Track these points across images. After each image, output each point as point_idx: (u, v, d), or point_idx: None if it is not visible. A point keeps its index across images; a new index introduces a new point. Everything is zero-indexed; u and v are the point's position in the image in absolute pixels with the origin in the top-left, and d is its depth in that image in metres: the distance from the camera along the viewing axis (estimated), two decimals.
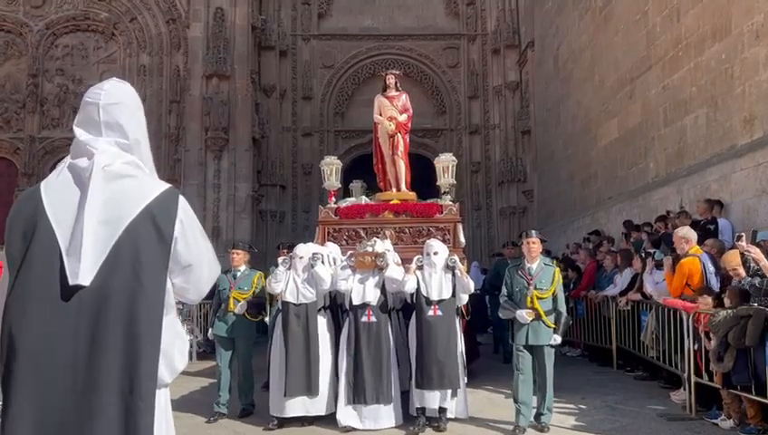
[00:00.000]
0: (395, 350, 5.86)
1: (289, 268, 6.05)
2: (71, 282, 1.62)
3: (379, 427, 5.63)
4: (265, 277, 6.50)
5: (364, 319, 5.73)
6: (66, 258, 1.64)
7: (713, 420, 5.59)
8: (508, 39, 19.07)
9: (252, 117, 17.07)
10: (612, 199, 12.21)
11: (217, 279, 7.45)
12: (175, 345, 1.76)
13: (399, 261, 6.09)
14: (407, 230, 7.35)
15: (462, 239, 7.36)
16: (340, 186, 8.26)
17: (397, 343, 5.94)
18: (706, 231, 7.41)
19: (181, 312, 11.24)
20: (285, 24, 19.32)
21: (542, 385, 5.58)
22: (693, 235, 6.55)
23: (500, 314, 5.99)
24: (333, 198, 7.91)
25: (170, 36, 17.63)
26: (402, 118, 8.01)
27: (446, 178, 7.88)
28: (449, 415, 5.70)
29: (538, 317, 5.49)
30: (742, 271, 5.54)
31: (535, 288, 5.55)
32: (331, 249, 6.59)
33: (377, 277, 5.87)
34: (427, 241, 6.20)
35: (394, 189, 8.03)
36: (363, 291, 5.81)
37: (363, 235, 7.15)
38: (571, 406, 6.43)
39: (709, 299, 5.79)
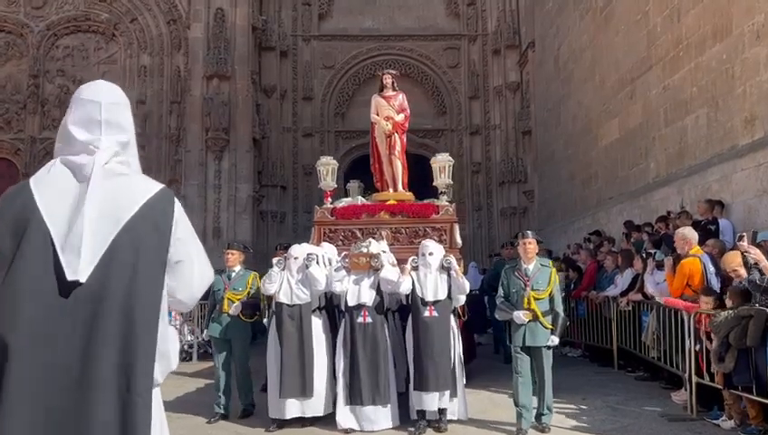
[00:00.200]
0: (391, 351, 5.83)
1: (283, 269, 6.02)
2: (69, 277, 1.60)
3: (377, 428, 5.61)
4: (261, 278, 6.47)
5: (360, 320, 5.71)
6: (62, 254, 1.61)
7: (714, 421, 5.58)
8: (509, 39, 19.07)
9: (252, 117, 17.07)
10: (613, 200, 12.21)
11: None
12: (168, 345, 1.76)
13: (395, 262, 6.06)
14: (403, 231, 7.31)
15: (458, 240, 7.33)
16: (336, 186, 8.23)
17: (393, 343, 5.91)
18: (707, 231, 7.40)
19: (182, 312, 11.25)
20: (286, 24, 19.33)
21: (541, 386, 5.56)
22: (694, 235, 6.55)
23: (496, 316, 5.97)
24: (329, 199, 7.88)
25: (171, 37, 17.64)
26: (399, 118, 7.96)
27: (442, 179, 7.84)
28: (449, 416, 5.69)
29: (535, 318, 5.47)
30: (742, 272, 5.53)
31: (532, 289, 5.52)
32: (327, 250, 6.56)
33: (372, 278, 5.84)
34: (422, 242, 6.17)
35: (391, 190, 7.99)
36: (358, 292, 5.78)
37: (359, 235, 7.11)
38: (572, 406, 6.43)
39: (710, 299, 5.78)
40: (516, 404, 5.51)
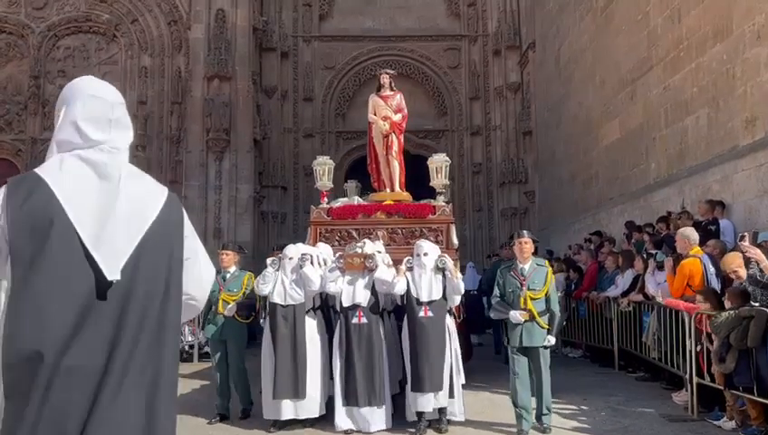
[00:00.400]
0: (386, 351, 5.80)
1: (278, 269, 5.99)
2: (109, 277, 1.59)
3: (372, 429, 5.58)
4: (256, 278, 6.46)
5: (354, 320, 5.69)
6: (96, 254, 1.59)
7: (715, 422, 5.58)
8: (509, 40, 19.07)
9: (253, 118, 17.08)
10: (613, 200, 12.20)
11: None
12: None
13: (390, 262, 6.03)
14: (399, 231, 7.29)
15: (455, 240, 7.31)
16: (332, 186, 8.19)
17: (389, 344, 5.87)
18: (708, 232, 7.40)
19: None
20: (286, 25, 19.34)
21: (539, 386, 5.55)
22: (695, 235, 6.55)
23: (491, 315, 5.96)
24: (325, 199, 7.86)
25: (172, 38, 17.65)
26: (396, 117, 7.92)
27: (439, 179, 7.82)
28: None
29: (531, 318, 5.45)
30: (742, 272, 5.53)
31: (528, 289, 5.51)
32: (322, 250, 6.54)
33: (366, 278, 5.81)
34: (417, 242, 6.16)
35: (388, 190, 7.97)
36: (353, 292, 5.76)
37: (355, 235, 7.09)
38: (573, 407, 6.43)
39: (707, 304, 5.76)
40: (515, 405, 5.50)
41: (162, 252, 1.70)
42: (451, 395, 5.64)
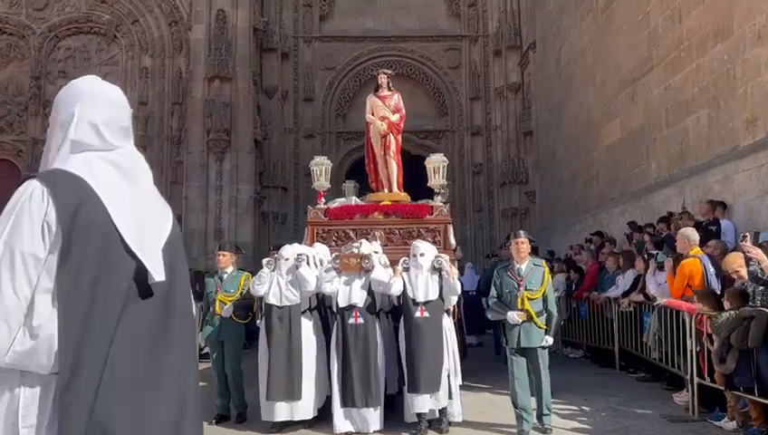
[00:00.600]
0: (383, 352, 5.77)
1: (273, 270, 5.97)
2: (157, 279, 1.62)
3: (371, 430, 5.56)
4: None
5: (351, 321, 5.66)
6: (141, 255, 1.61)
7: (716, 422, 5.58)
8: (509, 40, 19.07)
9: (254, 119, 17.09)
10: (614, 200, 12.20)
11: (205, 282, 7.32)
12: None
13: (387, 262, 6.00)
14: (396, 231, 7.26)
15: (452, 241, 7.29)
16: (329, 186, 8.17)
17: (385, 344, 5.84)
18: (708, 232, 7.40)
19: None
20: (287, 25, 19.34)
21: (539, 387, 5.53)
22: (695, 236, 6.55)
23: (488, 316, 5.92)
24: (323, 199, 7.84)
25: (172, 38, 17.66)
26: (394, 118, 7.89)
27: (437, 179, 7.80)
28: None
29: (529, 319, 5.43)
30: (744, 272, 5.53)
31: (525, 289, 5.48)
32: (319, 250, 6.51)
33: (363, 279, 5.78)
34: (414, 242, 6.12)
35: (386, 190, 7.95)
36: (349, 293, 5.73)
37: (353, 236, 7.07)
38: (574, 407, 6.43)
39: (705, 306, 5.76)
40: (515, 406, 5.48)
41: (181, 251, 1.77)
42: (449, 396, 5.62)
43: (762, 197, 7.40)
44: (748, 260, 5.44)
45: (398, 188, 8.02)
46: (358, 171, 13.91)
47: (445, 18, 20.07)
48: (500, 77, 19.39)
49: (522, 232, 5.92)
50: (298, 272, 5.85)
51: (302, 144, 19.24)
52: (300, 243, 7.06)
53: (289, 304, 5.84)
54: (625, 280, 8.52)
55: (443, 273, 5.70)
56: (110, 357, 1.51)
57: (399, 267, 5.76)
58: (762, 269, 5.15)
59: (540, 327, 5.46)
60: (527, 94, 18.77)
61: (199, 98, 16.70)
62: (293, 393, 5.66)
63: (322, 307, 6.28)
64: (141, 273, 1.61)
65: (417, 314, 5.58)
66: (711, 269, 6.23)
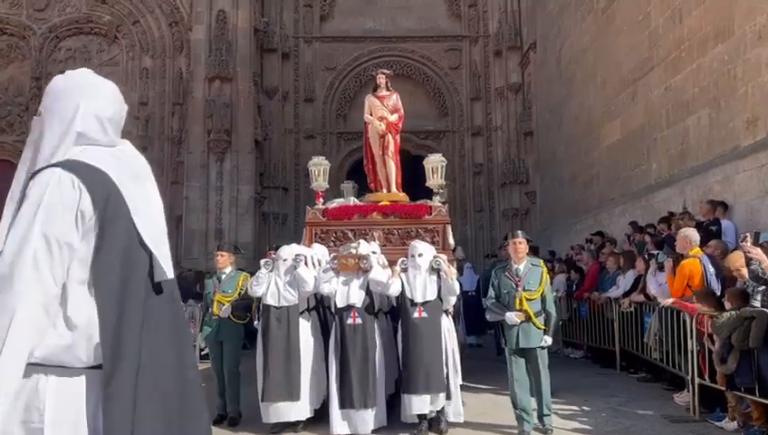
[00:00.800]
0: (382, 352, 5.74)
1: (271, 270, 5.94)
2: (169, 276, 1.64)
3: (367, 431, 5.53)
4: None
5: (349, 321, 5.64)
6: (156, 252, 1.62)
7: (716, 423, 5.57)
8: (510, 40, 19.07)
9: (254, 119, 17.09)
10: (615, 201, 12.19)
11: (204, 283, 7.28)
12: None
13: (386, 263, 5.98)
14: (395, 232, 7.24)
15: (451, 241, 7.27)
16: (328, 186, 8.16)
17: (384, 345, 5.82)
18: (709, 232, 7.39)
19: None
20: (287, 26, 19.35)
21: (538, 387, 5.50)
22: (695, 236, 6.55)
23: (487, 317, 5.88)
24: (321, 199, 7.82)
25: (173, 39, 17.67)
26: (393, 118, 7.87)
27: (435, 179, 7.78)
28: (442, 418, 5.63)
29: (528, 319, 5.41)
30: (746, 272, 5.53)
31: (524, 289, 5.46)
32: (317, 251, 6.49)
33: (361, 279, 5.75)
34: (412, 243, 6.10)
35: (384, 190, 7.93)
36: (347, 293, 5.70)
37: (351, 236, 7.05)
38: (574, 408, 6.42)
39: (705, 306, 5.76)
40: (515, 407, 5.47)
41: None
42: (448, 397, 5.59)
43: (762, 197, 7.39)
44: (749, 260, 5.43)
45: (397, 189, 8.00)
46: (358, 172, 13.90)
47: (445, 18, 20.07)
48: (500, 77, 19.38)
49: (519, 232, 5.90)
50: (296, 272, 5.84)
51: (302, 145, 19.24)
52: (300, 243, 7.04)
53: (287, 304, 5.82)
54: (625, 280, 8.51)
55: (441, 273, 5.68)
56: (142, 350, 1.53)
57: (398, 268, 5.74)
58: (762, 269, 5.15)
59: (538, 328, 5.44)
60: (528, 94, 18.76)
61: (200, 98, 16.70)
62: (292, 394, 5.64)
63: (321, 308, 6.26)
64: (151, 270, 1.62)
65: (416, 314, 5.56)
66: (711, 269, 6.23)
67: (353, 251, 5.95)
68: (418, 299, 5.60)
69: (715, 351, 5.35)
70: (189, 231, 16.36)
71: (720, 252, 6.58)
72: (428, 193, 7.97)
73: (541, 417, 5.53)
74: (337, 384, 5.58)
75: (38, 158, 1.62)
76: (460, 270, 9.89)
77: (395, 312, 6.07)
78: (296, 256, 5.93)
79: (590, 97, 13.61)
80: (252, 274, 6.40)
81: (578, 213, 14.31)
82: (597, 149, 13.25)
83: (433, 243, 6.70)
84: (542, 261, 6.11)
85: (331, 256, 6.21)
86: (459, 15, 19.97)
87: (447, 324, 5.88)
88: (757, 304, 5.19)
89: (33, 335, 1.42)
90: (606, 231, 12.02)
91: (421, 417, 5.55)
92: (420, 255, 5.74)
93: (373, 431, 5.59)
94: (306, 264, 5.96)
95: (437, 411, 5.59)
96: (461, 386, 6.08)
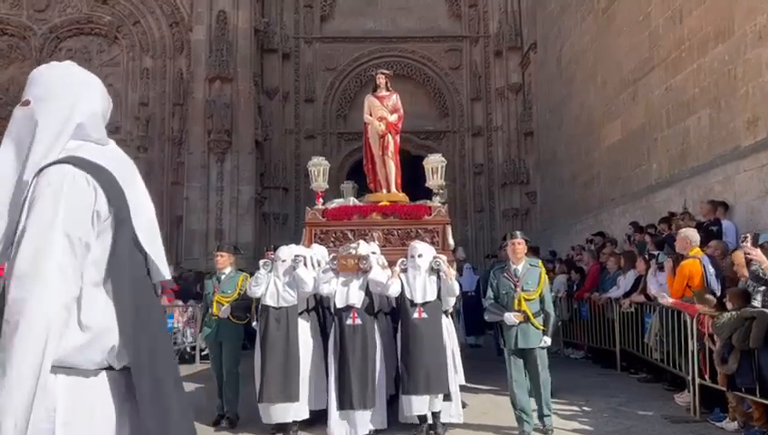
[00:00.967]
0: (381, 353, 5.72)
1: (270, 271, 5.93)
2: (167, 276, 1.64)
3: (366, 432, 5.51)
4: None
5: (349, 322, 5.61)
6: (152, 252, 1.61)
7: (717, 423, 5.56)
8: (510, 41, 19.07)
9: (254, 120, 17.10)
10: (615, 201, 12.19)
11: (204, 283, 7.23)
12: None
13: (385, 263, 5.96)
14: (395, 232, 7.21)
15: (451, 241, 7.25)
16: (327, 187, 8.15)
17: (384, 345, 5.80)
18: (710, 233, 7.39)
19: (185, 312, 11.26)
20: (288, 26, 19.36)
21: (537, 388, 5.47)
22: (695, 236, 6.54)
23: (486, 317, 5.85)
24: (321, 200, 7.82)
25: (173, 39, 17.68)
26: (392, 118, 7.84)
27: (435, 180, 7.77)
28: (442, 419, 5.61)
29: (526, 319, 5.39)
30: (746, 271, 5.52)
31: (522, 290, 5.44)
32: (317, 251, 6.47)
33: (360, 280, 5.73)
34: (411, 243, 6.08)
35: (384, 191, 7.92)
36: (347, 294, 5.68)
37: (351, 237, 7.03)
38: (575, 408, 6.42)
39: (705, 307, 5.75)
40: (515, 407, 5.46)
41: None
42: (448, 398, 5.58)
43: (763, 197, 7.38)
44: (749, 261, 5.43)
45: (397, 189, 7.99)
46: (359, 172, 13.89)
47: (445, 19, 20.07)
48: (501, 78, 19.38)
49: (518, 233, 5.88)
50: (295, 273, 5.82)
51: (302, 145, 19.24)
52: (300, 244, 7.03)
53: (286, 305, 5.80)
54: (626, 281, 8.51)
55: (441, 274, 5.67)
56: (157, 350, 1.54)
57: (397, 268, 5.73)
58: (762, 270, 5.15)
59: (537, 328, 5.42)
60: (528, 95, 18.76)
61: (200, 99, 16.71)
62: (291, 395, 5.63)
63: (320, 308, 6.25)
64: (148, 271, 1.62)
65: (415, 315, 5.54)
66: (711, 270, 6.22)
67: (353, 251, 5.93)
68: (418, 300, 5.58)
69: (716, 351, 5.35)
70: (190, 231, 16.37)
71: (720, 252, 6.58)
72: (428, 193, 7.96)
73: (541, 417, 5.52)
74: (336, 385, 5.56)
75: (32, 151, 1.54)
76: (460, 270, 9.88)
77: (395, 312, 6.05)
78: (295, 256, 5.91)
79: (591, 97, 13.61)
80: (252, 274, 6.39)
81: (578, 213, 14.30)
82: (597, 150, 13.24)
83: (433, 243, 6.67)
84: (540, 261, 6.09)
85: (331, 256, 6.19)
86: (459, 16, 19.97)
87: (447, 325, 5.86)
88: (758, 304, 5.19)
89: (58, 339, 1.40)
90: (606, 231, 12.01)
91: (421, 418, 5.54)
92: (420, 255, 5.73)
93: (372, 432, 5.57)
94: (305, 264, 5.94)
95: (434, 414, 5.56)
96: (461, 386, 6.07)
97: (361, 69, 19.42)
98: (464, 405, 6.03)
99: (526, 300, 5.43)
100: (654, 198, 10.44)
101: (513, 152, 19.00)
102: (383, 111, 7.84)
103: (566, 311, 10.43)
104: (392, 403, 5.94)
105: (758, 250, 5.36)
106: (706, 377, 5.74)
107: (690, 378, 6.04)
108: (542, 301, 5.51)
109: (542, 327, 5.43)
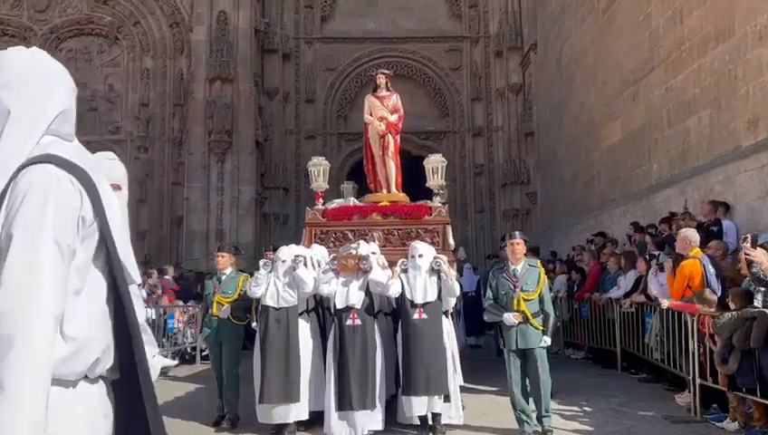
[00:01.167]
0: (381, 353, 5.70)
1: (270, 271, 5.92)
2: (137, 281, 1.56)
3: (366, 432, 5.50)
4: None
5: (349, 322, 5.60)
6: (125, 256, 1.53)
7: (718, 423, 5.56)
8: (511, 41, 19.08)
9: (255, 120, 17.11)
10: (616, 201, 12.19)
11: (204, 284, 7.18)
12: None
13: (386, 263, 5.94)
14: (395, 232, 7.20)
15: (451, 242, 7.25)
16: (327, 187, 8.15)
17: (384, 346, 5.78)
18: (710, 233, 7.39)
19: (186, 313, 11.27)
20: (288, 27, 19.37)
21: (537, 389, 5.43)
22: (695, 236, 6.54)
23: (485, 318, 5.83)
24: (321, 200, 7.82)
25: (174, 40, 17.69)
26: (393, 118, 7.82)
27: (435, 180, 7.76)
28: (442, 420, 5.60)
29: (525, 320, 5.37)
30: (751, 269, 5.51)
31: (521, 290, 5.43)
32: (317, 251, 6.46)
33: (361, 280, 5.71)
34: (412, 243, 6.06)
35: (384, 191, 7.91)
36: (347, 294, 5.66)
37: (351, 237, 7.02)
38: (575, 408, 6.42)
39: (705, 307, 5.75)
40: (515, 408, 5.45)
41: None
42: (448, 399, 5.56)
43: (763, 197, 7.38)
44: (750, 263, 5.43)
45: (397, 189, 7.98)
46: (359, 172, 13.90)
47: (446, 19, 20.07)
48: (501, 78, 19.39)
49: (517, 233, 5.86)
50: (295, 273, 5.81)
51: (303, 145, 19.25)
52: (300, 244, 7.02)
53: (286, 305, 5.79)
54: (626, 281, 8.51)
55: (441, 274, 5.65)
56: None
57: (398, 268, 5.72)
58: (763, 271, 5.15)
59: (536, 328, 5.40)
60: (528, 95, 18.77)
61: (200, 99, 16.72)
62: (291, 396, 5.62)
63: (320, 309, 6.24)
64: (122, 274, 1.53)
65: (416, 315, 5.53)
66: (711, 270, 6.22)
67: (353, 252, 5.92)
68: (419, 300, 5.57)
69: (717, 351, 5.34)
70: (190, 232, 16.38)
71: (720, 253, 6.57)
72: (429, 194, 7.95)
73: (540, 418, 5.49)
74: (335, 386, 5.54)
75: (0, 148, 1.39)
76: (460, 271, 9.88)
77: (396, 313, 6.04)
78: (296, 256, 5.91)
79: (591, 97, 13.61)
80: (252, 275, 6.39)
81: (579, 213, 14.30)
82: (597, 150, 13.24)
83: (433, 243, 6.66)
84: (539, 261, 6.08)
85: (331, 256, 6.19)
86: (460, 16, 19.98)
87: (447, 326, 5.86)
88: (758, 304, 5.19)
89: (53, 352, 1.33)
90: (607, 232, 12.01)
91: (421, 419, 5.54)
92: (420, 255, 5.71)
93: (370, 433, 5.56)
94: (306, 265, 5.93)
95: (434, 415, 5.55)
96: (461, 387, 6.06)
97: (362, 69, 19.43)
98: (463, 407, 6.02)
99: (525, 300, 5.41)
100: (654, 198, 10.44)
101: (513, 152, 19.00)
102: (383, 111, 7.84)
103: (566, 311, 10.43)
104: (390, 404, 5.94)
105: (758, 251, 5.36)
106: (707, 377, 5.74)
107: (691, 378, 6.04)
108: (541, 301, 5.49)
109: (541, 327, 5.42)
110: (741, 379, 5.08)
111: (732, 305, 5.43)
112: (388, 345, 5.89)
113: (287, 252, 6.03)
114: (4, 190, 1.35)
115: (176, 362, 9.42)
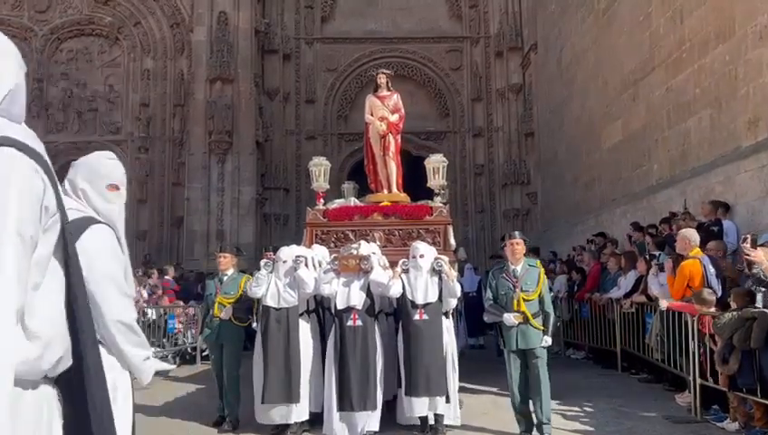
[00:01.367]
0: (382, 354, 5.69)
1: (271, 272, 5.91)
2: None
3: (366, 433, 5.48)
4: None
5: (349, 323, 5.59)
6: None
7: (718, 423, 5.56)
8: (511, 41, 19.08)
9: (255, 120, 17.11)
10: (616, 201, 12.19)
11: (206, 284, 7.16)
12: None
13: (386, 264, 5.93)
14: (396, 232, 7.19)
15: (452, 242, 7.24)
16: (328, 187, 8.14)
17: (384, 346, 5.77)
18: (710, 233, 7.39)
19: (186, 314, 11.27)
20: (289, 27, 19.37)
21: (537, 391, 5.37)
22: (695, 236, 6.54)
23: (485, 318, 5.81)
24: (321, 200, 7.81)
25: (174, 40, 17.71)
26: (393, 118, 7.81)
27: (436, 180, 7.76)
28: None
29: (525, 320, 5.35)
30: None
31: (521, 290, 5.41)
32: (318, 252, 6.45)
33: (362, 280, 5.70)
34: (413, 244, 6.04)
35: (385, 191, 7.90)
36: (348, 294, 5.65)
37: (352, 237, 7.01)
38: (576, 408, 6.42)
39: (704, 307, 5.75)
40: (515, 408, 5.44)
41: None
42: (447, 399, 5.55)
43: (763, 197, 7.38)
44: (750, 263, 5.42)
45: (398, 189, 7.98)
46: (359, 173, 13.91)
47: (446, 19, 20.08)
48: (501, 78, 19.39)
49: (516, 233, 5.83)
50: (296, 274, 5.80)
51: (303, 146, 19.25)
52: (300, 244, 7.02)
53: (287, 305, 5.79)
54: (627, 281, 8.51)
55: (442, 275, 5.64)
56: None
57: (399, 269, 5.70)
58: (763, 271, 5.14)
59: (537, 328, 5.38)
60: (528, 95, 18.77)
61: (201, 100, 16.74)
62: (291, 396, 5.61)
63: (321, 309, 6.23)
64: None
65: (416, 316, 5.52)
66: (711, 270, 6.22)
67: (354, 252, 5.91)
68: (420, 301, 5.56)
69: (717, 351, 5.34)
70: (191, 232, 16.39)
71: (721, 253, 6.57)
72: (429, 194, 7.95)
73: (540, 425, 5.40)
74: (336, 387, 5.53)
75: None
76: (461, 271, 9.88)
77: (397, 313, 6.04)
78: (296, 257, 5.90)
79: (591, 98, 13.61)
80: (253, 275, 6.39)
81: (579, 214, 14.30)
82: (598, 150, 13.24)
83: (434, 244, 6.65)
84: (538, 262, 6.06)
85: (332, 257, 6.18)
86: (460, 16, 19.99)
87: (448, 326, 5.86)
88: (759, 304, 5.19)
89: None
90: (607, 232, 12.00)
91: (422, 419, 5.53)
92: (422, 256, 5.70)
93: (369, 434, 5.55)
94: (306, 265, 5.93)
95: (435, 416, 5.54)
96: (460, 387, 6.06)
97: (362, 69, 19.42)
98: (460, 407, 6.00)
99: (525, 300, 5.39)
100: (655, 198, 10.44)
101: (513, 153, 19.00)
102: (384, 110, 7.83)
103: (567, 311, 10.43)
104: (389, 404, 5.94)
105: (758, 252, 5.35)
106: (708, 377, 5.74)
107: (691, 378, 6.04)
108: (541, 301, 5.46)
109: (541, 328, 5.40)
110: (741, 379, 5.08)
111: (733, 305, 5.43)
112: (389, 346, 5.88)
113: (288, 252, 6.02)
114: None
115: (173, 365, 9.38)
